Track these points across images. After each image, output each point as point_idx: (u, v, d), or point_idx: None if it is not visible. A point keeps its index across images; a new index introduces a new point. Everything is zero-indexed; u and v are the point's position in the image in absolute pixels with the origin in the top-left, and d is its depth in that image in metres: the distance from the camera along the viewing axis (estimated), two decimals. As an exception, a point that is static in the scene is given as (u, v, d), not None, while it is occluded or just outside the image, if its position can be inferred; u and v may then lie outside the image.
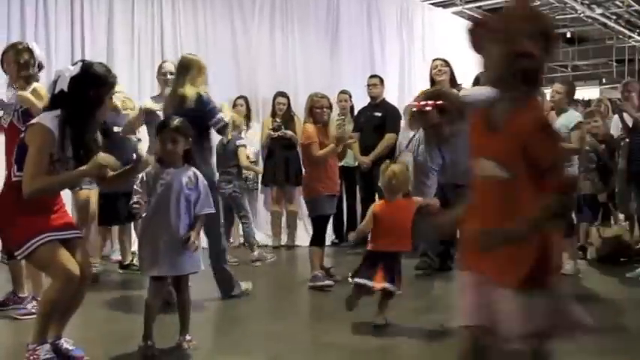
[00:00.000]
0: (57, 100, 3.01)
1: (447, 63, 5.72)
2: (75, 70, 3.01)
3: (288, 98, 7.39)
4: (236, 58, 8.09)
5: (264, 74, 7.79)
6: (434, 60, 5.87)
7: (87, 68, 3.03)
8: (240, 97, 7.42)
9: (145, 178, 3.26)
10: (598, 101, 7.14)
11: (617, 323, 4.06)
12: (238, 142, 6.31)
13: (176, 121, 3.36)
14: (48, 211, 3.03)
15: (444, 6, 11.00)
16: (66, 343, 3.10)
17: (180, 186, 3.25)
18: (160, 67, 5.71)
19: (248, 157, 6.63)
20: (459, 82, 5.66)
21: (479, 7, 11.41)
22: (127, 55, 7.15)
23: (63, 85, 2.98)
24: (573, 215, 5.93)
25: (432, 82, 5.69)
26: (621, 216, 6.95)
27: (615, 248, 6.44)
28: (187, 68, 4.43)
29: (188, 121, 3.60)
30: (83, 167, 2.98)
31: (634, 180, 5.59)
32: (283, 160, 7.21)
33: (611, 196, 6.71)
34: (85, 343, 3.21)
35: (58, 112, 2.96)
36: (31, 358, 2.92)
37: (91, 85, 3.00)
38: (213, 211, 3.43)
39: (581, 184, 6.12)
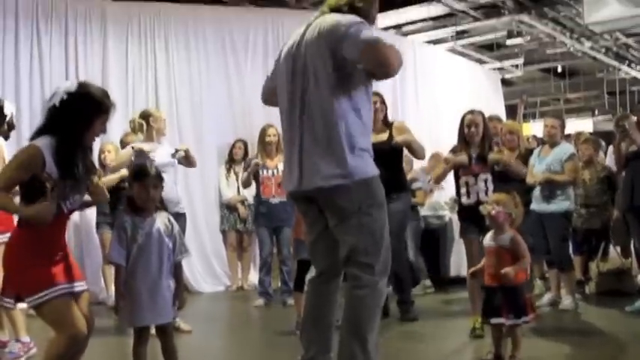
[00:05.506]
0: (48, 116, 2.92)
1: (383, 100, 5.35)
2: (71, 86, 2.93)
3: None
4: (231, 100, 8.13)
5: (258, 116, 7.78)
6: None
7: (83, 87, 2.95)
8: (239, 140, 7.62)
9: (123, 230, 3.18)
10: (577, 134, 7.18)
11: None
12: None
13: (154, 168, 3.34)
14: (60, 258, 2.94)
15: (435, 42, 11.09)
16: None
17: (159, 234, 3.21)
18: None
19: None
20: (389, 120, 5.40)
21: (471, 45, 11.52)
22: (121, 97, 7.14)
23: (56, 99, 2.90)
24: (570, 250, 5.91)
25: None
26: (618, 249, 6.92)
27: (614, 282, 6.42)
28: None
29: None
30: (29, 207, 2.76)
31: (633, 213, 5.56)
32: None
33: (608, 231, 6.70)
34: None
35: (48, 136, 2.86)
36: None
37: (82, 104, 2.90)
38: (190, 256, 3.46)
39: (575, 218, 6.12)
